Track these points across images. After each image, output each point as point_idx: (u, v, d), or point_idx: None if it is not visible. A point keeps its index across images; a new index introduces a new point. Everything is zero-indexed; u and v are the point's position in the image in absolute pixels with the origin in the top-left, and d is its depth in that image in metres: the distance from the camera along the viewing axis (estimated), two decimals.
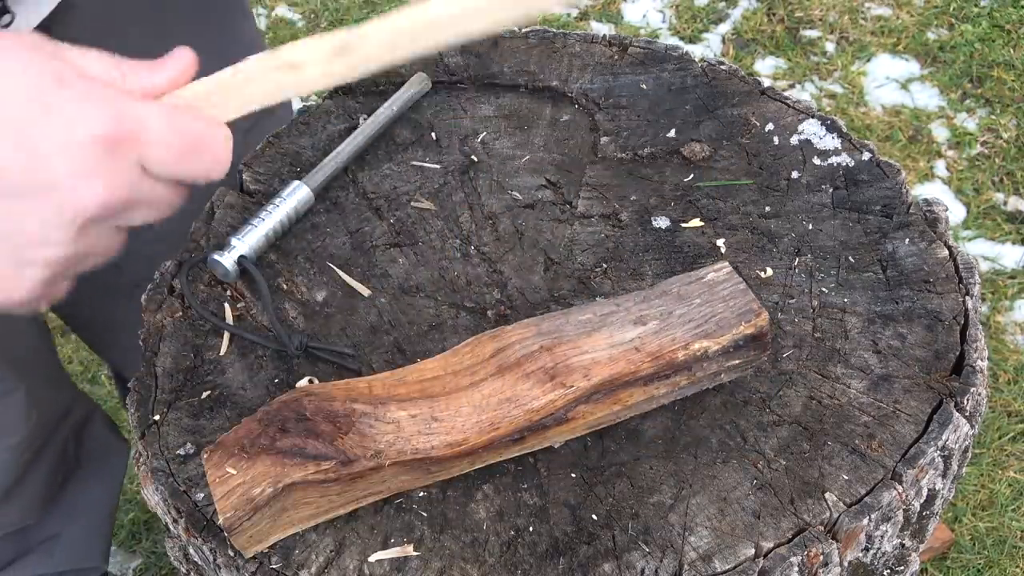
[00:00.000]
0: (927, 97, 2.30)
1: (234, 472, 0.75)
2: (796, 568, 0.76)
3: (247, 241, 0.93)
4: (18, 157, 0.58)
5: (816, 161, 1.01)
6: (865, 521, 0.77)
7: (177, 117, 0.63)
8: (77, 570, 1.44)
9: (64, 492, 1.36)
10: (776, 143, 1.03)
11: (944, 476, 0.84)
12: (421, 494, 0.80)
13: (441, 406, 0.79)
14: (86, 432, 1.42)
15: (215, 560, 0.79)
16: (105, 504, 1.47)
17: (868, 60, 2.37)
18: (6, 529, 1.31)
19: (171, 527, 0.85)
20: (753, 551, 0.76)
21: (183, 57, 0.67)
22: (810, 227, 0.96)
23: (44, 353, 1.27)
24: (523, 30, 1.12)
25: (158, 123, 0.62)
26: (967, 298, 0.89)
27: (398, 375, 0.82)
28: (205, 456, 0.76)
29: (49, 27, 0.91)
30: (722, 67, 1.11)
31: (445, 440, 0.78)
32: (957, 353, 0.87)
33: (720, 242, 0.95)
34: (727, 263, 0.84)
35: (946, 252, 0.93)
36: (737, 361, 0.83)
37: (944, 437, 0.81)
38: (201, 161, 0.65)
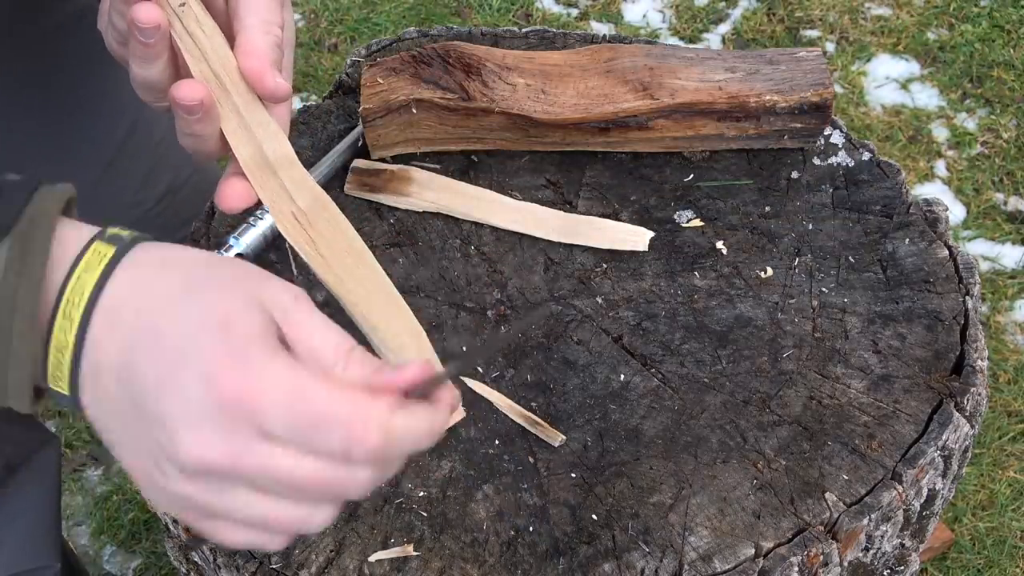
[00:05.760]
0: (927, 97, 2.30)
1: (382, 82, 0.97)
2: (796, 568, 0.76)
3: (244, 240, 0.93)
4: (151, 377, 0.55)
5: (816, 161, 1.00)
6: (865, 521, 0.77)
7: (303, 387, 0.54)
8: (26, 571, 1.41)
9: None
10: None
11: (944, 476, 0.84)
12: (421, 494, 0.80)
13: (552, 85, 0.97)
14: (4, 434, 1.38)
15: (215, 560, 0.79)
16: (45, 499, 1.43)
17: (868, 60, 2.37)
18: None
19: (171, 527, 0.85)
20: (753, 551, 0.76)
21: (433, 379, 0.58)
22: (810, 227, 0.96)
23: None
24: (523, 30, 1.12)
25: (280, 389, 0.54)
26: (967, 298, 0.89)
27: (529, 55, 1.01)
28: (364, 68, 0.99)
29: None
30: None
31: (546, 109, 0.96)
32: (957, 353, 0.87)
33: (720, 243, 0.95)
34: (820, 50, 0.98)
35: (946, 252, 0.93)
36: (799, 125, 0.97)
37: (944, 437, 0.81)
38: (328, 438, 0.54)
